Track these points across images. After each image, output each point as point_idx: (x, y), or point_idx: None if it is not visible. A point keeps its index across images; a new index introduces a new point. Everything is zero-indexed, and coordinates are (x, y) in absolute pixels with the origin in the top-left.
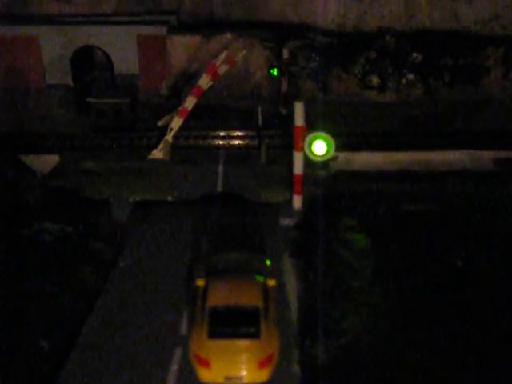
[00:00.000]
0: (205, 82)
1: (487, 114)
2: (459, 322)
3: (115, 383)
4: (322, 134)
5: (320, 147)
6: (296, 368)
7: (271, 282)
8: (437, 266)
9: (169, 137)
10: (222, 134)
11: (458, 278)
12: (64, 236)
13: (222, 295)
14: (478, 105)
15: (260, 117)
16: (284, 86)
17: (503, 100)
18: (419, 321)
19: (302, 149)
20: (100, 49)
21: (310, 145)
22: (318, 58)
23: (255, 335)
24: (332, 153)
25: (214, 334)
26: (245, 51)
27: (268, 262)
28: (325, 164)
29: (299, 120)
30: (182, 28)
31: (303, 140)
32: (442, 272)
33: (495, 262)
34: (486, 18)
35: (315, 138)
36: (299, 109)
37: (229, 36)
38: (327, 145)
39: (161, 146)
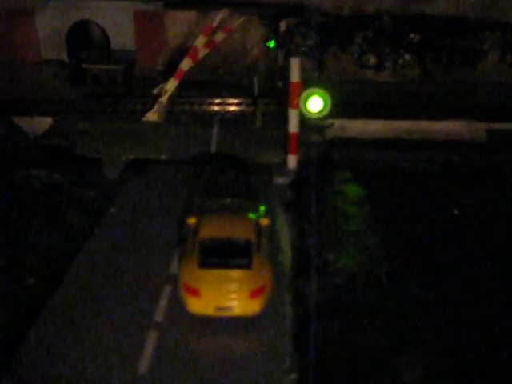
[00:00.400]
0: (200, 42)
1: (484, 92)
2: (455, 264)
3: (102, 319)
4: (318, 89)
5: (316, 104)
6: (288, 307)
7: (264, 221)
8: (433, 214)
9: (163, 99)
10: (217, 101)
11: (455, 224)
12: (53, 183)
13: (213, 229)
14: (475, 85)
15: (256, 86)
16: (280, 59)
17: (499, 82)
18: (415, 262)
19: (298, 106)
20: (96, 24)
21: (305, 101)
22: (314, 36)
23: (247, 266)
24: (328, 110)
25: (204, 264)
26: (242, 19)
27: (262, 208)
28: (320, 129)
29: (295, 76)
30: (178, 4)
31: (298, 97)
32: (439, 218)
33: (490, 211)
34: (485, 3)
35: (311, 94)
36: (295, 64)
37: (226, 11)
38: (323, 101)
39: (155, 108)
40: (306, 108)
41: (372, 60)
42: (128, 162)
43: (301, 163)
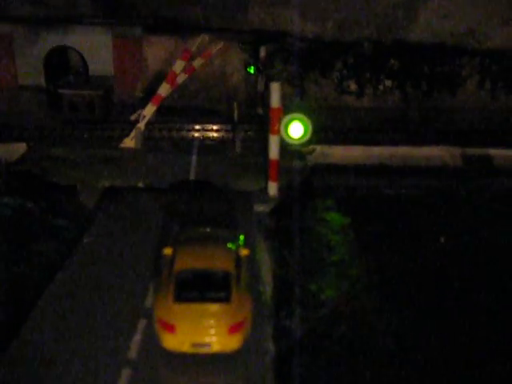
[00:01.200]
0: (179, 67)
1: (463, 118)
2: (439, 294)
3: (73, 357)
4: (299, 115)
5: (297, 129)
6: (270, 342)
7: (244, 251)
8: (416, 242)
9: (141, 124)
10: (196, 127)
11: (440, 253)
12: (25, 211)
13: (190, 260)
14: (454, 112)
15: (236, 112)
16: (261, 86)
17: (478, 108)
18: (399, 293)
19: (278, 131)
20: (74, 49)
21: (286, 127)
22: (295, 62)
23: (225, 300)
24: (309, 136)
25: (180, 298)
26: (221, 44)
27: (241, 237)
28: (301, 156)
29: (276, 101)
30: (158, 29)
31: (279, 122)
32: (423, 247)
33: (477, 239)
34: (462, 31)
35: (292, 120)
36: (276, 89)
37: (206, 37)
38: (304, 127)
39: (133, 134)
40: (286, 134)
41: (352, 86)
42: (104, 190)
43: (282, 190)
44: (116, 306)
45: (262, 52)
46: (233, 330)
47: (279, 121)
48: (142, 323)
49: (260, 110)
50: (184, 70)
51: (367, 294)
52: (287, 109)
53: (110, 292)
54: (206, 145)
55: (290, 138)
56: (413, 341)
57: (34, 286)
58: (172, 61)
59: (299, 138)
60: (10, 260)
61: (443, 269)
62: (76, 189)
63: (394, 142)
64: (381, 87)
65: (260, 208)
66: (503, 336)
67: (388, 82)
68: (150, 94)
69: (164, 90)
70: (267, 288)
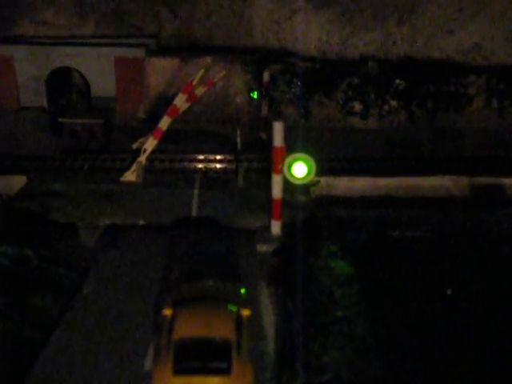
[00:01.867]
0: (180, 101)
1: (470, 140)
2: (449, 357)
3: None
4: (303, 155)
5: (300, 169)
6: None
7: (245, 312)
8: (424, 295)
9: (142, 158)
10: (199, 157)
11: (449, 307)
12: (23, 260)
13: (189, 326)
14: (462, 132)
15: (239, 140)
16: (264, 110)
17: (486, 127)
18: (405, 354)
19: (281, 171)
20: (77, 70)
21: (289, 167)
22: (299, 83)
23: (226, 371)
24: (313, 175)
25: (179, 370)
26: (224, 72)
27: (242, 291)
28: (305, 189)
29: (278, 140)
30: (160, 50)
31: (282, 162)
32: (431, 301)
33: (486, 289)
34: (468, 48)
35: (295, 160)
36: (278, 129)
37: (208, 59)
38: (308, 167)
39: (134, 168)
40: (290, 174)
41: (357, 107)
42: (105, 228)
43: (285, 227)
44: (115, 369)
45: (266, 77)
46: None
47: (282, 160)
48: None
49: (263, 135)
50: (186, 99)
51: (372, 357)
52: (290, 138)
53: (108, 353)
54: (208, 177)
55: (294, 177)
56: None
57: (31, 346)
58: (174, 83)
59: (303, 178)
60: (7, 317)
61: (452, 325)
62: (76, 227)
63: (401, 170)
64: (386, 108)
65: (263, 248)
66: None
67: (393, 103)
68: (152, 115)
69: (165, 123)
70: (269, 346)
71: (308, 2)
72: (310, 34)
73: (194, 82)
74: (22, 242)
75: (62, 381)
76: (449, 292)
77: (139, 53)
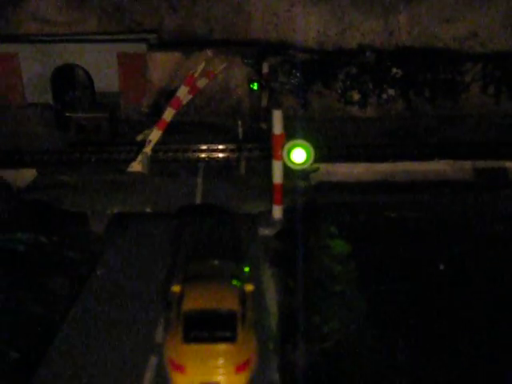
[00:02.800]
0: (183, 93)
1: (467, 126)
2: (441, 324)
3: None
4: (301, 141)
5: (299, 155)
6: (275, 375)
7: (249, 287)
8: (417, 270)
9: (147, 149)
10: (202, 147)
11: (441, 280)
12: (37, 245)
13: (197, 299)
14: (459, 118)
15: (240, 130)
16: (264, 101)
17: (482, 114)
18: (401, 324)
19: (281, 157)
20: (80, 67)
21: (288, 153)
22: (298, 74)
23: (232, 339)
24: (311, 161)
25: (189, 339)
26: (225, 64)
27: (246, 269)
28: (305, 175)
29: (278, 128)
30: (162, 45)
31: (282, 148)
32: (423, 275)
33: (476, 265)
34: (464, 35)
35: (294, 146)
36: (278, 116)
37: (209, 52)
38: (306, 152)
39: (139, 158)
40: (289, 159)
41: (355, 96)
42: (113, 216)
43: (286, 212)
44: (128, 342)
45: (265, 68)
46: (239, 369)
47: (282, 147)
48: (152, 360)
49: (263, 125)
50: (188, 91)
51: (368, 327)
52: (290, 131)
53: (121, 328)
54: (211, 166)
55: (293, 163)
56: (416, 374)
57: (49, 324)
58: (176, 77)
59: (302, 163)
60: (25, 298)
61: (445, 297)
62: (86, 216)
63: (398, 156)
64: (384, 96)
65: (265, 232)
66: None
67: (391, 91)
68: (155, 108)
69: (169, 114)
70: (272, 320)
71: None
72: (309, 26)
73: (196, 74)
74: (35, 229)
75: (80, 354)
76: (441, 267)
77: (141, 48)
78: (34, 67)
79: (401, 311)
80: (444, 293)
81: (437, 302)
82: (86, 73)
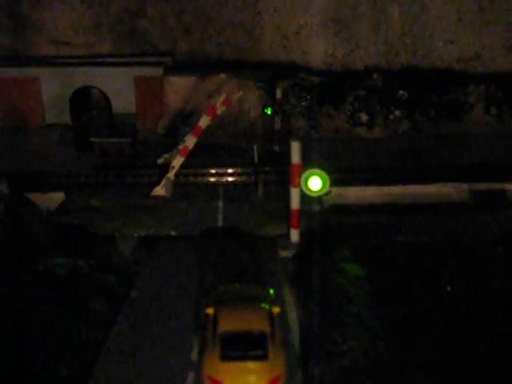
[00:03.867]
0: (205, 122)
1: (471, 147)
2: (450, 342)
3: None
4: (318, 170)
5: (316, 183)
6: None
7: (276, 309)
8: (428, 292)
9: (171, 174)
10: (220, 171)
11: (447, 302)
12: (76, 269)
13: (231, 322)
14: (463, 138)
15: (256, 154)
16: (277, 125)
17: (486, 134)
18: (413, 342)
19: (299, 185)
20: (98, 89)
21: (306, 181)
22: (308, 97)
23: (263, 357)
24: (327, 188)
25: (226, 357)
26: (241, 92)
27: (271, 291)
28: (319, 198)
29: (296, 158)
30: (177, 69)
31: (299, 177)
32: (432, 297)
33: (482, 288)
34: (468, 56)
35: (311, 175)
36: (296, 147)
37: (223, 76)
38: (322, 181)
39: (163, 183)
40: (306, 187)
41: (363, 117)
42: (140, 239)
43: (302, 235)
44: (166, 359)
45: (278, 94)
46: (271, 383)
47: (300, 175)
48: (190, 376)
49: (277, 148)
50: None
51: (383, 345)
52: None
53: (159, 346)
54: (230, 189)
55: (310, 190)
56: None
57: (93, 343)
58: (191, 100)
59: (318, 191)
60: (69, 320)
61: (451, 318)
62: (114, 238)
63: (406, 179)
64: (391, 117)
65: (284, 254)
66: None
67: (397, 112)
68: (170, 130)
69: (191, 142)
70: (295, 338)
71: (314, 17)
72: (317, 47)
73: (217, 105)
74: (71, 253)
75: (123, 370)
76: (448, 289)
77: (157, 71)
78: (54, 89)
79: (412, 331)
80: (453, 313)
81: (446, 321)
82: (104, 95)
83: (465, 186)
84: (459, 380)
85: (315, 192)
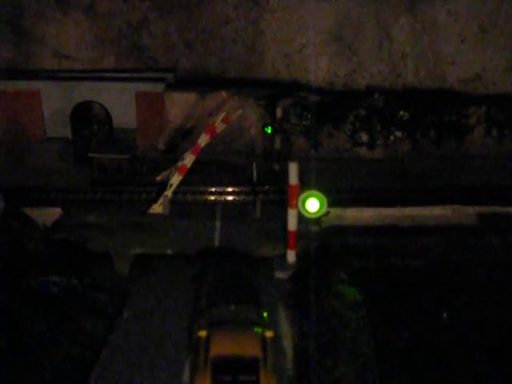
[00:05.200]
0: (204, 140)
1: (471, 169)
2: (448, 369)
3: None
4: (315, 192)
5: (313, 205)
6: None
7: (269, 334)
8: (424, 318)
9: (168, 192)
10: (218, 189)
11: (444, 328)
12: (69, 288)
13: (223, 346)
14: (463, 160)
15: (255, 173)
16: (277, 144)
17: (486, 155)
18: (407, 368)
19: (296, 206)
20: (99, 104)
21: (303, 202)
22: (309, 116)
23: (255, 383)
24: (324, 210)
25: (217, 382)
26: (240, 111)
27: (265, 314)
28: (317, 219)
29: (293, 179)
30: (178, 85)
31: (297, 198)
32: (429, 323)
33: (479, 312)
34: (470, 77)
35: (309, 196)
36: (293, 168)
37: (224, 94)
38: (320, 202)
39: (160, 201)
40: (304, 208)
41: (364, 137)
42: (136, 257)
43: (299, 256)
44: (157, 381)
45: (278, 113)
46: None
47: (297, 196)
48: None
49: (276, 166)
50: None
51: (377, 372)
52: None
53: (150, 367)
54: (228, 208)
55: (307, 212)
56: None
57: (84, 363)
58: (192, 117)
59: (315, 212)
60: (60, 339)
61: (447, 344)
62: (110, 256)
63: (405, 201)
64: (391, 138)
65: (280, 275)
66: None
67: (398, 133)
68: (171, 146)
69: (189, 160)
70: (288, 362)
71: (316, 36)
72: (319, 66)
73: (216, 124)
74: (65, 270)
75: None
76: (444, 315)
77: (159, 87)
78: (55, 103)
79: (407, 357)
80: (448, 340)
81: (442, 347)
82: (105, 109)
83: (464, 209)
84: None
85: (313, 214)
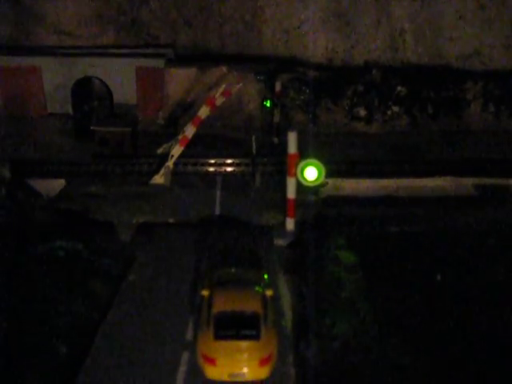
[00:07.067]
0: (204, 112)
1: (468, 143)
2: (438, 326)
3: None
4: (314, 161)
5: (311, 173)
6: (291, 369)
7: (269, 292)
8: (418, 279)
9: (170, 163)
10: (218, 161)
11: (437, 289)
12: (76, 253)
13: (225, 303)
14: (460, 134)
15: (254, 145)
16: (276, 117)
17: (482, 130)
18: (403, 326)
19: (295, 174)
20: (100, 79)
21: (302, 171)
22: (308, 91)
23: (256, 337)
24: (322, 178)
25: (219, 336)
26: (240, 84)
27: (265, 276)
28: (315, 189)
29: (292, 148)
30: (178, 60)
31: (296, 166)
32: (423, 284)
33: (468, 275)
34: (467, 53)
35: (307, 165)
36: (292, 137)
37: (223, 69)
38: (318, 171)
39: (162, 171)
40: (302, 177)
41: (362, 112)
42: (139, 225)
43: (298, 224)
44: (162, 339)
45: (278, 87)
46: (263, 362)
47: (296, 165)
48: (185, 355)
49: (276, 140)
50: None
51: (372, 328)
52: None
53: (155, 327)
54: (228, 179)
55: (306, 180)
56: (414, 371)
57: (91, 322)
58: (192, 91)
59: (314, 181)
60: (68, 300)
61: (440, 304)
62: (113, 225)
63: (402, 172)
64: (389, 113)
65: (279, 242)
66: None
67: (396, 108)
68: (170, 121)
69: (190, 132)
70: (288, 321)
71: (315, 13)
72: (318, 43)
73: (216, 96)
74: (71, 237)
75: (120, 349)
76: (438, 278)
77: (159, 63)
78: (56, 79)
79: (402, 316)
80: (442, 300)
81: (435, 308)
82: (105, 85)
83: (460, 180)
84: (448, 360)
85: (311, 182)
